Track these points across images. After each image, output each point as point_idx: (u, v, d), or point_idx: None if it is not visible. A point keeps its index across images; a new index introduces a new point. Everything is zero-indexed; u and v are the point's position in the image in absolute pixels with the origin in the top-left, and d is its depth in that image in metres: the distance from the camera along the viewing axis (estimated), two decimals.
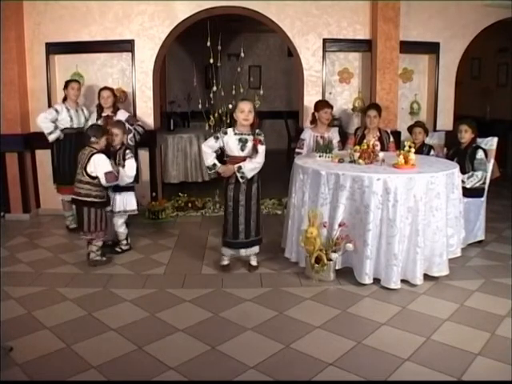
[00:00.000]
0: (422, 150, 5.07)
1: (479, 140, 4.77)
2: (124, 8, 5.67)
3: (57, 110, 5.10)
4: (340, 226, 3.72)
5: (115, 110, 5.21)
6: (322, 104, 5.20)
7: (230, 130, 3.89)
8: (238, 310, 3.34)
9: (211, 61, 5.43)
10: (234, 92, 5.55)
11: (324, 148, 4.38)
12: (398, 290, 3.62)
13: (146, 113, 5.85)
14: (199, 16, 5.87)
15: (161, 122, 6.54)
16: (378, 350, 2.82)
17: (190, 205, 6.01)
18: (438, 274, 3.80)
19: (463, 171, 4.46)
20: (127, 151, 4.38)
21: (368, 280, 3.68)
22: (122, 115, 5.17)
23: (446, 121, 6.23)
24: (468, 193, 4.43)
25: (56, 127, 5.07)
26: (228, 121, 5.24)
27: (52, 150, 5.47)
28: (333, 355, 2.75)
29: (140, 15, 5.70)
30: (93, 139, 4.09)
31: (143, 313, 3.30)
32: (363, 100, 6.08)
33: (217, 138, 3.87)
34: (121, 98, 5.71)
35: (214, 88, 5.50)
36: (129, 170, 4.31)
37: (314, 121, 5.24)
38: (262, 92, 5.60)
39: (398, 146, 5.15)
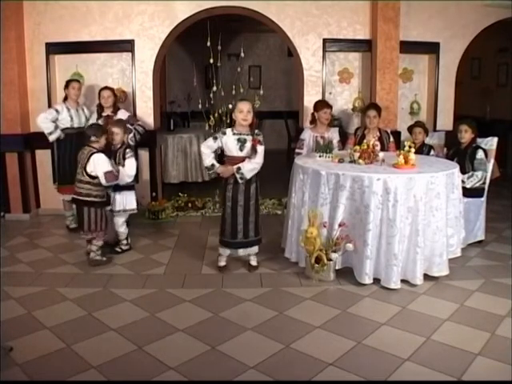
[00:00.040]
0: (422, 149, 5.07)
1: (479, 140, 4.77)
2: (124, 8, 5.68)
3: (57, 110, 5.10)
4: (340, 225, 3.72)
5: (115, 109, 5.21)
6: (322, 104, 5.20)
7: (228, 130, 3.89)
8: (238, 310, 3.34)
9: (211, 61, 5.43)
10: (234, 92, 5.55)
11: (324, 148, 4.38)
12: (398, 290, 3.62)
13: (146, 113, 5.85)
14: (199, 16, 5.87)
15: (161, 121, 6.53)
16: (377, 350, 2.82)
17: (190, 205, 6.01)
18: (438, 273, 3.80)
19: (463, 171, 4.46)
20: (127, 150, 4.37)
21: (368, 280, 3.68)
22: (122, 115, 5.17)
23: (446, 121, 6.23)
24: (468, 193, 4.43)
25: (56, 127, 5.07)
26: (228, 121, 5.25)
27: (52, 149, 5.49)
28: (333, 355, 2.75)
29: (140, 15, 5.70)
30: (93, 138, 4.09)
31: (143, 313, 3.30)
32: (363, 100, 6.07)
33: (215, 139, 3.88)
34: (121, 98, 5.71)
35: (214, 88, 5.50)
36: (129, 169, 4.31)
37: (313, 121, 5.24)
38: (262, 92, 5.60)
39: (398, 146, 5.15)
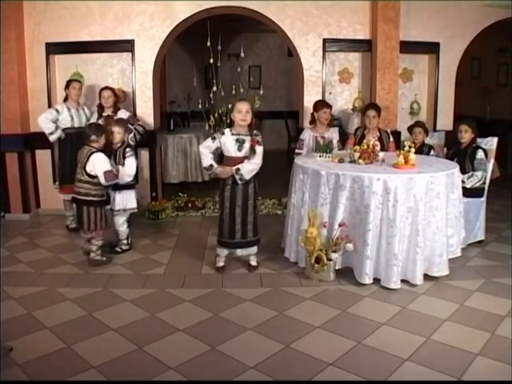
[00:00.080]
0: (422, 149, 5.07)
1: (479, 140, 4.77)
2: (124, 8, 5.68)
3: (57, 110, 5.10)
4: (340, 225, 3.72)
5: (116, 109, 5.22)
6: (321, 104, 5.19)
7: (227, 131, 3.89)
8: (238, 310, 3.34)
9: (211, 61, 5.43)
10: (234, 92, 5.55)
11: (324, 148, 4.38)
12: (398, 290, 3.62)
13: (146, 113, 5.85)
14: (199, 16, 5.87)
15: (161, 121, 6.54)
16: (377, 350, 2.82)
17: (190, 205, 6.01)
18: (438, 273, 3.80)
19: (463, 171, 4.46)
20: (127, 149, 4.37)
21: (368, 280, 3.68)
22: (122, 115, 5.16)
23: (446, 121, 6.23)
24: (468, 193, 4.43)
25: (57, 127, 5.07)
26: (228, 121, 5.24)
27: (52, 149, 5.50)
28: (333, 355, 2.75)
29: (140, 15, 5.70)
30: (92, 138, 4.09)
31: (143, 313, 3.30)
32: (363, 100, 6.07)
33: (214, 139, 3.87)
34: (121, 98, 5.71)
35: (214, 88, 5.50)
36: (129, 168, 4.31)
37: (313, 121, 5.24)
38: (262, 92, 5.59)
39: (398, 145, 5.15)
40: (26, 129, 5.64)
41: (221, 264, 4.07)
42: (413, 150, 3.89)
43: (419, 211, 3.61)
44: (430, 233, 3.73)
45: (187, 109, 8.78)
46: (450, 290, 3.66)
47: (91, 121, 5.13)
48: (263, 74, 10.94)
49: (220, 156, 4.02)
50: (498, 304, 3.40)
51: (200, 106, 5.61)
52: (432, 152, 5.09)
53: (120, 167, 4.26)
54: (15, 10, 5.48)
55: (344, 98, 6.16)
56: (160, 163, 6.51)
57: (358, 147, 4.19)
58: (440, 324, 3.12)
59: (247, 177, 3.82)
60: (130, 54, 5.75)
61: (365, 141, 4.42)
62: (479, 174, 4.55)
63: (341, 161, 4.14)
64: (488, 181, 4.70)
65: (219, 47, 5.41)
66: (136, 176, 4.55)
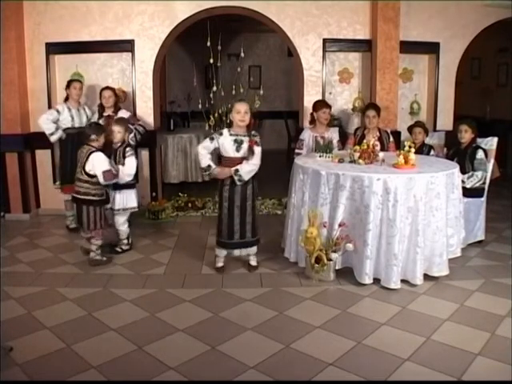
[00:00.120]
0: (422, 149, 5.07)
1: (479, 140, 4.77)
2: (124, 8, 5.68)
3: (58, 111, 5.11)
4: (340, 225, 3.72)
5: (116, 109, 5.22)
6: (321, 104, 5.19)
7: (225, 131, 3.89)
8: (238, 310, 3.34)
9: (211, 61, 5.43)
10: (234, 92, 5.55)
11: (324, 148, 4.38)
12: (398, 290, 3.62)
13: (146, 113, 5.85)
14: (199, 16, 5.87)
15: (161, 121, 6.54)
16: (378, 350, 2.82)
17: (190, 205, 6.02)
18: (438, 273, 3.80)
19: (463, 171, 4.46)
20: (127, 149, 4.37)
21: (368, 280, 3.68)
22: (123, 115, 5.16)
23: (446, 121, 6.23)
24: (468, 193, 4.43)
25: (57, 128, 5.07)
26: (228, 121, 5.24)
27: (52, 149, 5.49)
28: (333, 355, 2.75)
29: (140, 15, 5.70)
30: (92, 137, 4.09)
31: (143, 313, 3.30)
32: (363, 100, 6.07)
33: (212, 139, 3.87)
34: (121, 99, 5.71)
35: (214, 88, 5.50)
36: (129, 167, 4.31)
37: (312, 121, 5.23)
38: (262, 92, 5.59)
39: (398, 145, 5.15)
40: (26, 129, 5.64)
41: (220, 264, 4.07)
42: (413, 149, 3.89)
43: (419, 211, 3.61)
44: (430, 233, 3.73)
45: (187, 109, 8.78)
46: (450, 290, 3.66)
47: (92, 121, 5.13)
48: (263, 74, 10.94)
49: (219, 156, 4.02)
50: (498, 304, 3.40)
51: (200, 106, 5.61)
52: (432, 152, 5.09)
53: (120, 167, 4.26)
54: (15, 10, 5.48)
55: (344, 98, 6.16)
56: (160, 163, 6.51)
57: (358, 147, 4.19)
58: (440, 324, 3.12)
59: (246, 178, 3.82)
60: (129, 53, 5.75)
61: (365, 141, 4.42)
62: (479, 174, 4.55)
63: (341, 161, 4.14)
64: (488, 181, 4.70)
65: (219, 47, 5.41)
66: (136, 175, 4.55)
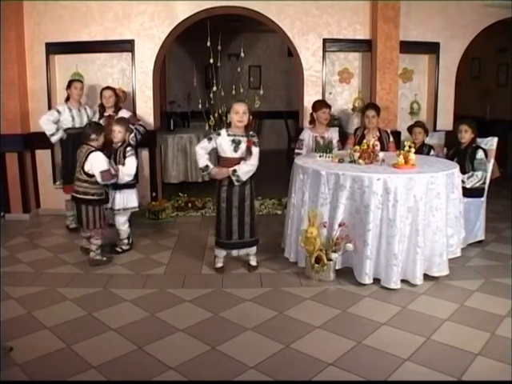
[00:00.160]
0: (422, 149, 5.07)
1: (479, 140, 4.77)
2: (124, 8, 5.68)
3: (59, 111, 5.11)
4: (340, 225, 3.72)
5: (117, 109, 5.22)
6: (320, 104, 5.19)
7: (223, 131, 3.90)
8: (238, 310, 3.34)
9: (211, 61, 5.41)
10: (234, 92, 5.54)
11: (324, 148, 4.38)
12: (398, 290, 3.62)
13: (146, 113, 5.85)
14: (199, 16, 5.87)
15: (161, 121, 6.54)
16: (378, 350, 2.82)
17: (190, 205, 6.02)
18: (438, 273, 3.80)
19: (463, 171, 4.46)
20: (128, 149, 4.37)
21: (368, 280, 3.68)
22: (123, 115, 5.16)
23: (445, 121, 6.23)
24: (468, 193, 4.43)
25: (58, 128, 5.07)
26: (228, 121, 5.24)
27: (52, 149, 5.49)
28: (333, 355, 2.75)
29: (140, 15, 5.70)
30: (92, 136, 4.09)
31: (143, 313, 3.30)
32: (363, 100, 6.07)
33: (210, 139, 3.88)
34: (121, 98, 5.71)
35: (214, 88, 5.49)
36: (129, 167, 4.31)
37: (312, 121, 5.23)
38: (262, 92, 5.59)
39: (398, 145, 5.15)
40: (26, 129, 5.64)
41: (220, 265, 4.07)
42: (413, 149, 3.89)
43: (419, 211, 3.61)
44: (430, 233, 3.73)
45: (187, 109, 8.78)
46: (450, 290, 3.66)
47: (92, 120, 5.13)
48: (263, 74, 10.94)
49: (218, 157, 4.02)
50: (497, 304, 3.40)
51: (200, 106, 5.60)
52: (432, 152, 5.09)
53: (120, 166, 4.26)
54: (15, 9, 5.48)
55: (344, 98, 6.16)
56: (160, 163, 6.51)
57: (357, 147, 4.20)
58: (440, 324, 3.12)
59: (244, 178, 3.82)
60: (129, 53, 5.75)
61: (365, 141, 4.42)
62: (479, 173, 4.55)
63: (341, 161, 4.14)
64: (488, 181, 4.70)
65: (219, 47, 5.40)
66: (136, 175, 4.55)
